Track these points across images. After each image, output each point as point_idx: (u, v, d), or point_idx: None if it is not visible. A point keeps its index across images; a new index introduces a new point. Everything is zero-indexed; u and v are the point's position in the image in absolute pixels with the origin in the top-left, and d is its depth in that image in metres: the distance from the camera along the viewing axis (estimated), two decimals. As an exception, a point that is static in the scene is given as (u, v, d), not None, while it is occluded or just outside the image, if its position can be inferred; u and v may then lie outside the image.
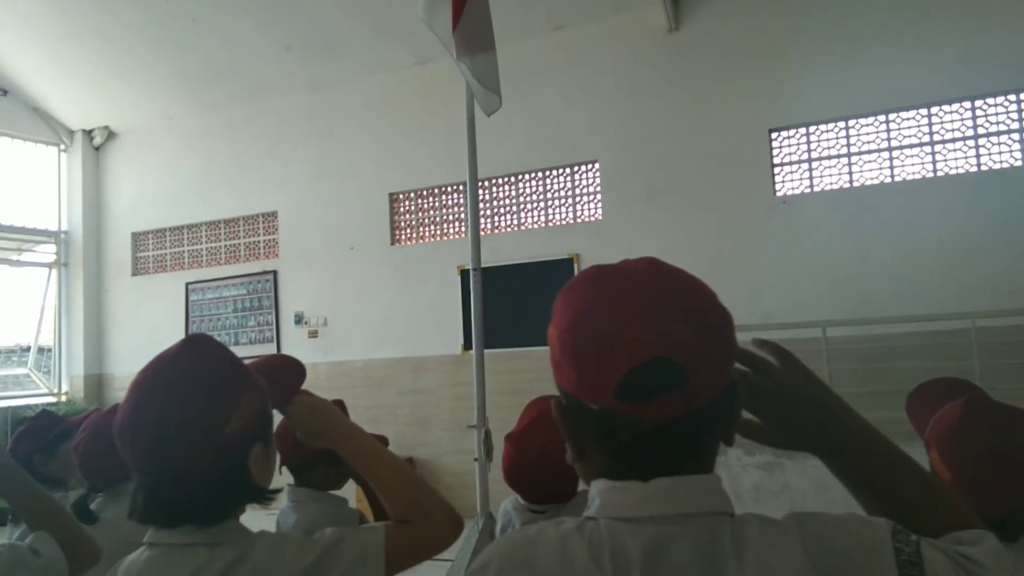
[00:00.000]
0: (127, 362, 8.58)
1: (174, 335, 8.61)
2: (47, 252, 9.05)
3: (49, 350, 9.34)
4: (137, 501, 0.99)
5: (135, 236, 9.05)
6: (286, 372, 1.22)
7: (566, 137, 6.83)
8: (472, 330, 3.95)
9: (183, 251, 8.78)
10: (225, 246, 8.54)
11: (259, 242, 8.37)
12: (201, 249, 8.67)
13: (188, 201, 8.69)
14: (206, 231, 8.66)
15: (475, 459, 2.91)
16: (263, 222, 8.35)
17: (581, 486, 1.86)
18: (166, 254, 8.89)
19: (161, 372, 1.00)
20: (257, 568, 0.98)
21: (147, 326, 8.62)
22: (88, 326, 8.93)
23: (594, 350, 0.75)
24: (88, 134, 9.18)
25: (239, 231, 8.48)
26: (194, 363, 1.01)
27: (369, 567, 1.00)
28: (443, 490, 2.00)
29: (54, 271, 9.04)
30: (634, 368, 0.72)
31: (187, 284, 8.54)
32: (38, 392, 8.79)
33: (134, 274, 9.00)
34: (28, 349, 9.07)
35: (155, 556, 1.00)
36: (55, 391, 8.85)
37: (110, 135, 9.18)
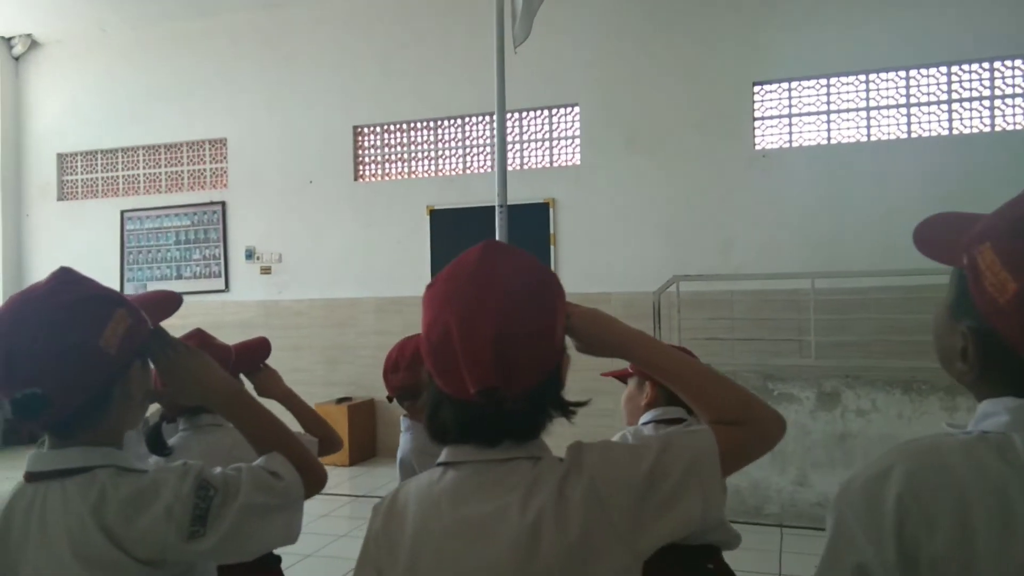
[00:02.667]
0: (52, 294, 7.91)
1: (107, 265, 8.04)
2: (-42, 169, 8.19)
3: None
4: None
5: (61, 157, 8.30)
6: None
7: (546, 79, 6.67)
8: None
9: (117, 176, 8.13)
10: (166, 172, 7.95)
11: (205, 170, 7.83)
12: (138, 175, 8.05)
13: (123, 122, 8.01)
14: (144, 155, 8.03)
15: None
16: (210, 149, 7.82)
17: None
18: (97, 178, 8.20)
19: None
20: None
21: (76, 255, 7.92)
22: (7, 253, 8.17)
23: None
24: (7, 42, 8.29)
25: (182, 157, 7.90)
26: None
27: (706, 470, 0.95)
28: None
29: (-34, 191, 8.20)
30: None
31: (122, 212, 7.93)
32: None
33: (60, 199, 8.27)
34: (-65, 276, 8.24)
35: None
36: (-33, 322, 8.09)
37: (33, 44, 8.31)
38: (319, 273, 7.32)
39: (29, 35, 8.24)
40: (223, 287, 7.54)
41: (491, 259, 0.97)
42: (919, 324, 4.52)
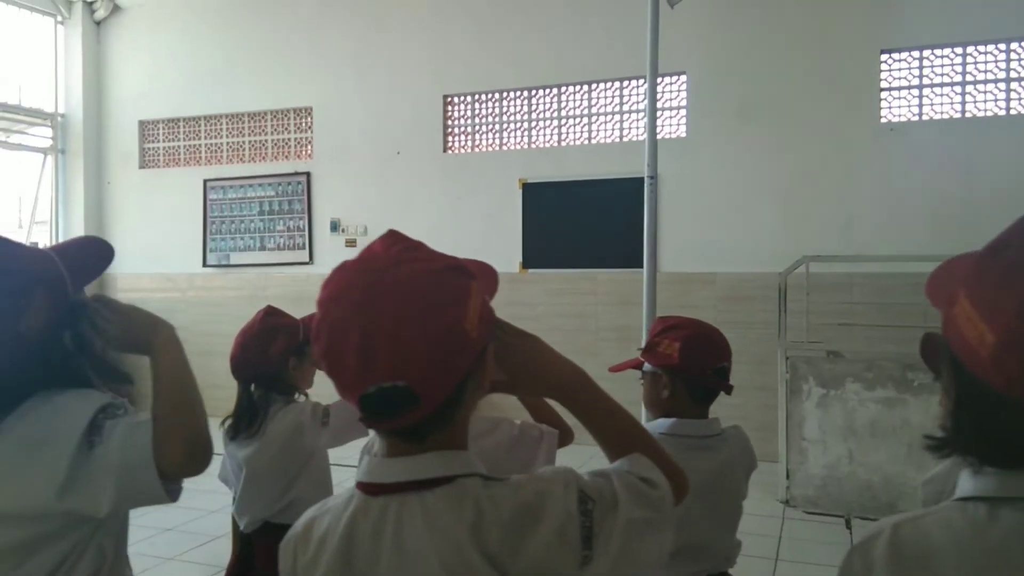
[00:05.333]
0: (135, 261, 7.83)
1: (190, 234, 7.96)
2: (43, 136, 8.15)
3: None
4: None
5: (143, 124, 8.21)
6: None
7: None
8: (646, 245, 3.57)
9: (199, 144, 8.01)
10: (249, 142, 7.81)
11: (290, 140, 7.67)
12: (221, 143, 7.92)
13: (206, 90, 7.88)
14: (227, 124, 7.90)
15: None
16: (295, 118, 7.65)
17: None
18: (179, 147, 8.10)
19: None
20: None
21: (158, 223, 7.90)
22: (89, 220, 8.15)
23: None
24: (89, 5, 8.19)
25: (266, 127, 7.75)
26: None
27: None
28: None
29: (50, 157, 8.17)
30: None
31: (205, 181, 7.82)
32: (32, 290, 8.03)
33: (142, 167, 8.20)
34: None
35: None
36: (51, 290, 8.10)
37: (115, 8, 8.21)
38: (406, 247, 7.12)
39: (112, -1, 8.14)
40: (307, 259, 7.40)
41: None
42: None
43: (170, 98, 8.02)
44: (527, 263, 6.70)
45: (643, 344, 1.83)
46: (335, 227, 7.35)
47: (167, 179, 8.04)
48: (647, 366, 1.75)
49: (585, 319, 6.35)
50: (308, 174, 7.46)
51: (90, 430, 1.05)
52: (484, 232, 6.83)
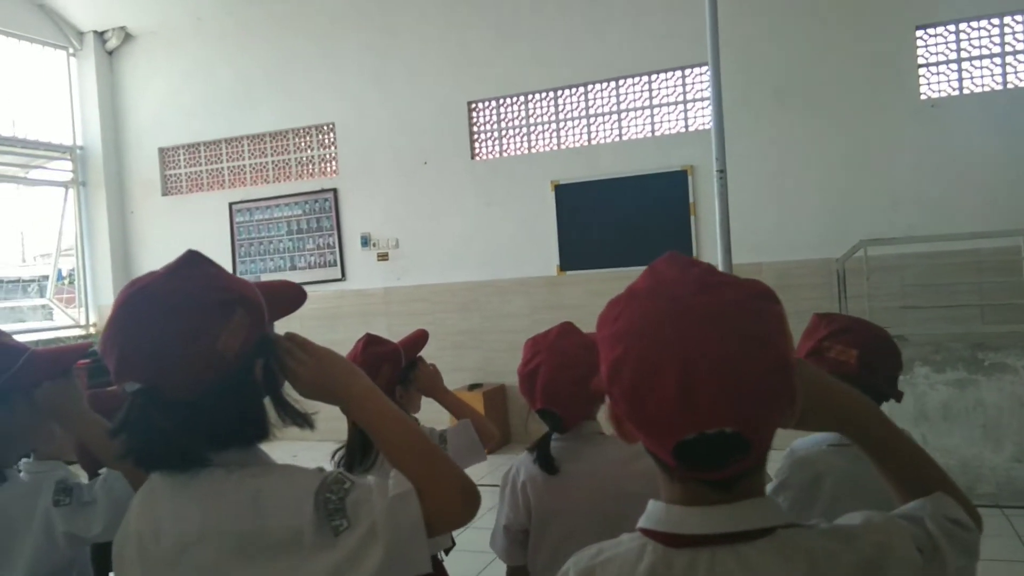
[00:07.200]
0: (164, 291, 7.77)
1: (219, 258, 7.74)
2: (63, 169, 8.09)
3: (64, 279, 8.52)
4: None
5: (163, 151, 8.15)
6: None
7: (676, 36, 6.24)
8: (719, 239, 3.48)
9: (222, 167, 7.94)
10: (272, 162, 7.74)
11: (313, 157, 7.60)
12: (244, 165, 7.85)
13: (225, 112, 7.81)
14: (248, 145, 7.83)
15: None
16: (317, 135, 7.57)
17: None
18: (202, 171, 8.03)
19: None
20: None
21: (185, 249, 7.82)
22: (115, 251, 8.08)
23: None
24: (100, 36, 8.13)
25: (289, 145, 7.68)
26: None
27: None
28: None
29: (71, 191, 8.11)
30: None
31: (230, 204, 7.75)
32: (63, 325, 7.98)
33: (164, 194, 8.13)
34: (48, 278, 8.21)
35: None
36: (81, 322, 8.05)
37: (127, 37, 8.15)
38: (439, 257, 7.05)
39: (123, 28, 8.07)
40: (339, 276, 7.33)
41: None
42: None
43: (189, 123, 7.95)
44: (564, 265, 6.62)
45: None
46: (366, 242, 7.27)
47: (191, 205, 7.97)
48: None
49: (629, 318, 6.26)
50: (335, 190, 7.38)
51: (324, 515, 0.93)
52: (518, 236, 6.76)
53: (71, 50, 8.10)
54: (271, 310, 1.09)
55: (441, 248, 7.03)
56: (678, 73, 6.34)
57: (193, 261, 1.06)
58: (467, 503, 1.00)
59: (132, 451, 0.99)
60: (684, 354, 0.73)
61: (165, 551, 0.99)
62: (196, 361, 0.96)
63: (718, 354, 0.73)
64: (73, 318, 8.08)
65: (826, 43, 5.82)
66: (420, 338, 2.25)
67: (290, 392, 1.10)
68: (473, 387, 6.66)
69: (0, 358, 1.37)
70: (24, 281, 8.95)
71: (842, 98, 5.78)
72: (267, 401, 1.08)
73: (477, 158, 7.00)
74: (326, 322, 6.69)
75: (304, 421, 1.10)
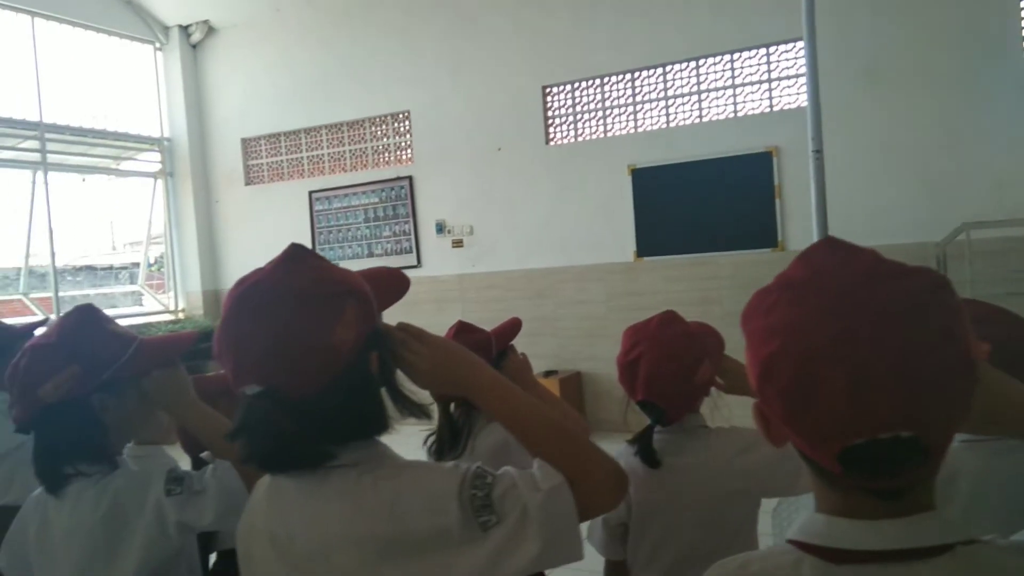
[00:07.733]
0: (247, 277, 8.01)
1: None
2: (152, 161, 8.41)
3: (153, 266, 8.87)
4: None
5: (245, 142, 8.37)
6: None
7: (761, 12, 6.00)
8: (816, 223, 3.33)
9: (302, 156, 8.10)
10: (350, 151, 7.85)
11: (389, 145, 7.67)
12: (323, 155, 7.99)
13: (304, 102, 7.95)
14: (327, 134, 7.95)
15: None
16: (392, 123, 7.63)
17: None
18: (282, 161, 8.22)
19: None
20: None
21: (266, 237, 8.01)
22: (201, 239, 8.36)
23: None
24: (185, 30, 8.38)
25: (365, 134, 7.77)
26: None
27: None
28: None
29: (160, 181, 8.42)
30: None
31: (310, 192, 7.91)
32: (153, 310, 8.31)
33: (247, 183, 8.36)
34: (138, 265, 8.57)
35: None
36: (171, 308, 8.37)
37: (210, 31, 8.37)
38: (514, 243, 7.02)
39: (206, 21, 8.30)
40: (415, 263, 7.39)
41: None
42: None
43: (270, 114, 8.13)
44: (641, 251, 6.49)
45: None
46: (441, 229, 7.30)
47: (273, 193, 8.17)
48: None
49: (708, 305, 6.09)
50: (410, 178, 7.43)
51: (472, 512, 0.91)
52: (594, 222, 6.66)
53: (157, 44, 8.38)
54: (378, 300, 1.05)
55: (516, 234, 7.00)
56: (762, 51, 6.10)
57: (297, 255, 1.01)
58: (618, 487, 0.98)
59: (255, 455, 0.97)
60: (855, 352, 0.67)
61: (303, 554, 0.97)
62: (314, 358, 0.93)
63: (895, 351, 0.66)
64: (163, 303, 8.41)
65: (924, 16, 5.50)
66: (513, 326, 2.18)
67: (403, 382, 1.07)
68: (548, 374, 6.62)
69: (110, 347, 1.38)
70: (116, 268, 9.34)
71: (939, 73, 5.45)
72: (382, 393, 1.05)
73: (552, 143, 6.92)
74: (402, 309, 6.68)
75: (422, 412, 1.07)
